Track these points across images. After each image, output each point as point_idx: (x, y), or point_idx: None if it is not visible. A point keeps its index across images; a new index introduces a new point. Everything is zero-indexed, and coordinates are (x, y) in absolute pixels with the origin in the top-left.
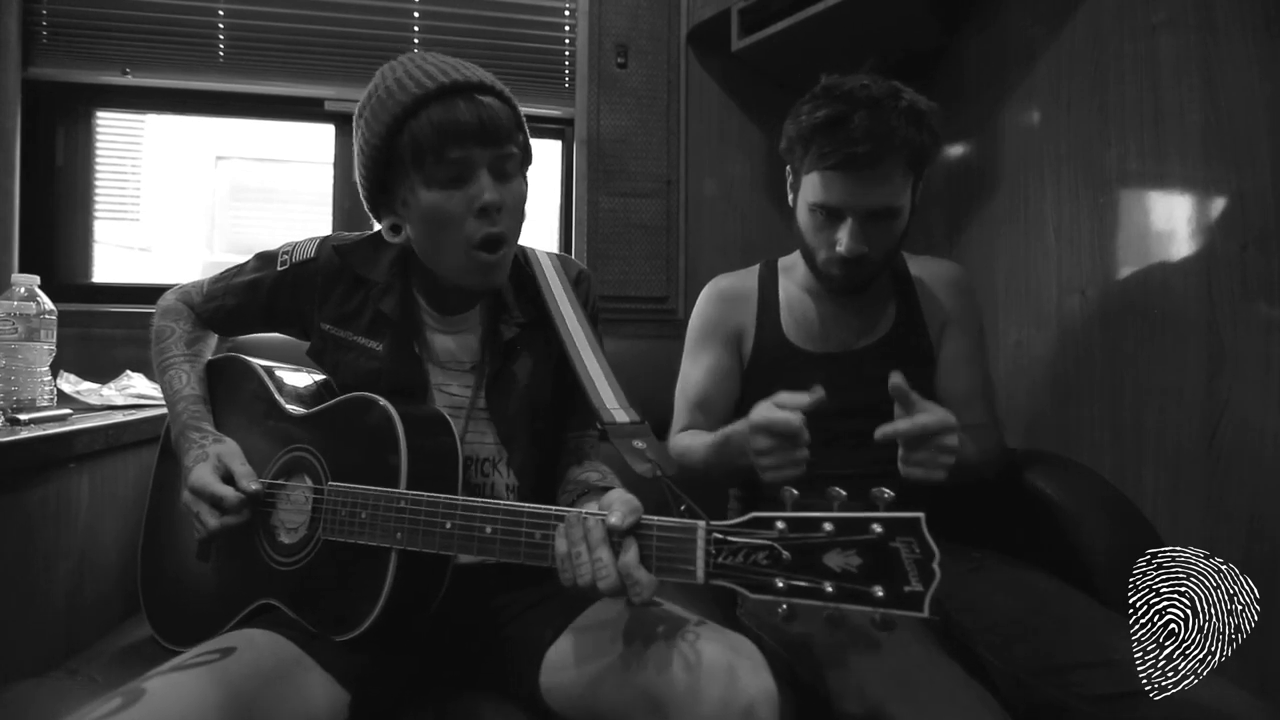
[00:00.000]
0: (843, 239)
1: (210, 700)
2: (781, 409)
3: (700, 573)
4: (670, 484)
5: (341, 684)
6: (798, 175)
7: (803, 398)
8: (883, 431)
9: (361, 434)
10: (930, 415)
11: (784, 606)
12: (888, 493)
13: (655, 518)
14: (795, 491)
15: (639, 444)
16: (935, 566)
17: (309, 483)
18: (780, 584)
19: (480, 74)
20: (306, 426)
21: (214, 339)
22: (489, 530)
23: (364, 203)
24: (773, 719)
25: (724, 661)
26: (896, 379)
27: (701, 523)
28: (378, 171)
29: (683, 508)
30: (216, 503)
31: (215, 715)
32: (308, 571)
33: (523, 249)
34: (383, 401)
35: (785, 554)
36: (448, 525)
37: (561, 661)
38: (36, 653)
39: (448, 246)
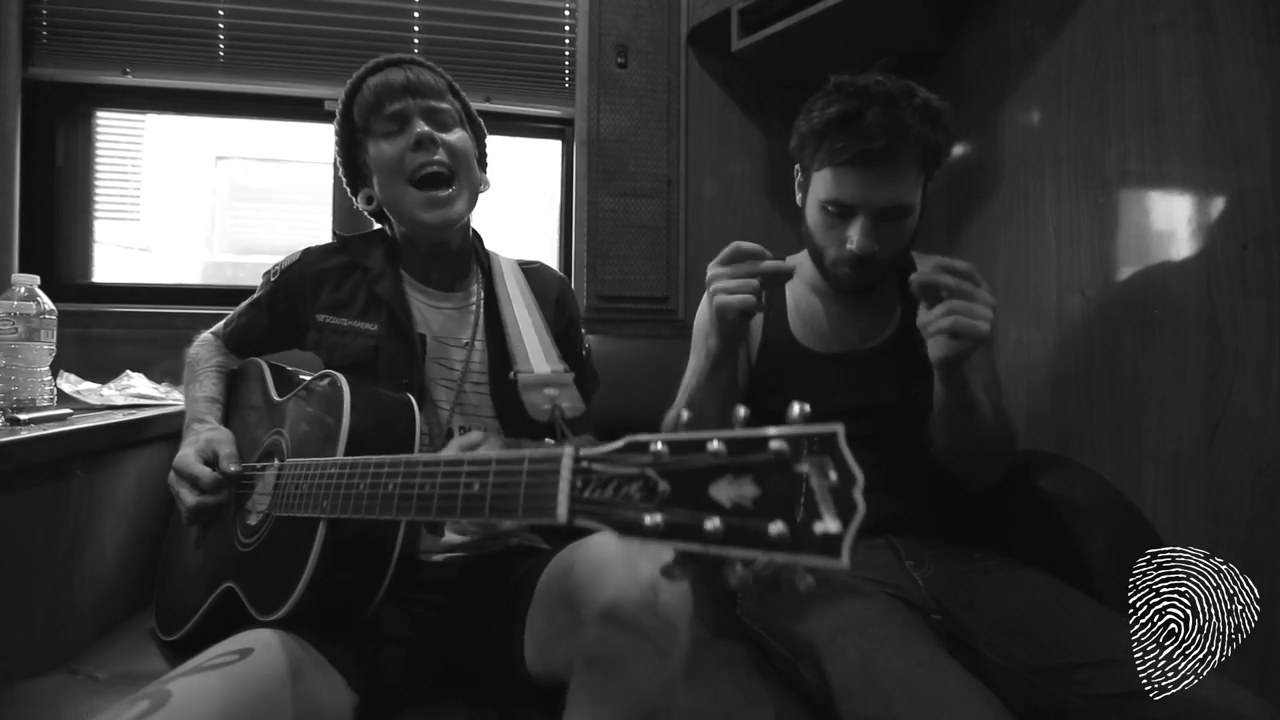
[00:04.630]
0: (854, 237)
1: (235, 702)
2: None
3: (562, 510)
4: (563, 419)
5: (350, 685)
6: (808, 173)
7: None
8: (916, 279)
9: (316, 410)
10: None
11: (671, 558)
12: (802, 407)
13: (527, 450)
14: (745, 410)
15: (551, 391)
16: (857, 496)
17: (277, 463)
18: (648, 522)
19: (418, 57)
20: (282, 410)
21: (238, 360)
22: (427, 486)
23: (345, 188)
24: (678, 597)
25: (629, 553)
26: (916, 277)
27: (568, 448)
28: (345, 149)
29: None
30: (194, 482)
31: (241, 717)
32: (259, 551)
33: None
34: (338, 376)
35: (662, 484)
36: (366, 487)
37: (528, 630)
38: (36, 652)
39: (399, 187)
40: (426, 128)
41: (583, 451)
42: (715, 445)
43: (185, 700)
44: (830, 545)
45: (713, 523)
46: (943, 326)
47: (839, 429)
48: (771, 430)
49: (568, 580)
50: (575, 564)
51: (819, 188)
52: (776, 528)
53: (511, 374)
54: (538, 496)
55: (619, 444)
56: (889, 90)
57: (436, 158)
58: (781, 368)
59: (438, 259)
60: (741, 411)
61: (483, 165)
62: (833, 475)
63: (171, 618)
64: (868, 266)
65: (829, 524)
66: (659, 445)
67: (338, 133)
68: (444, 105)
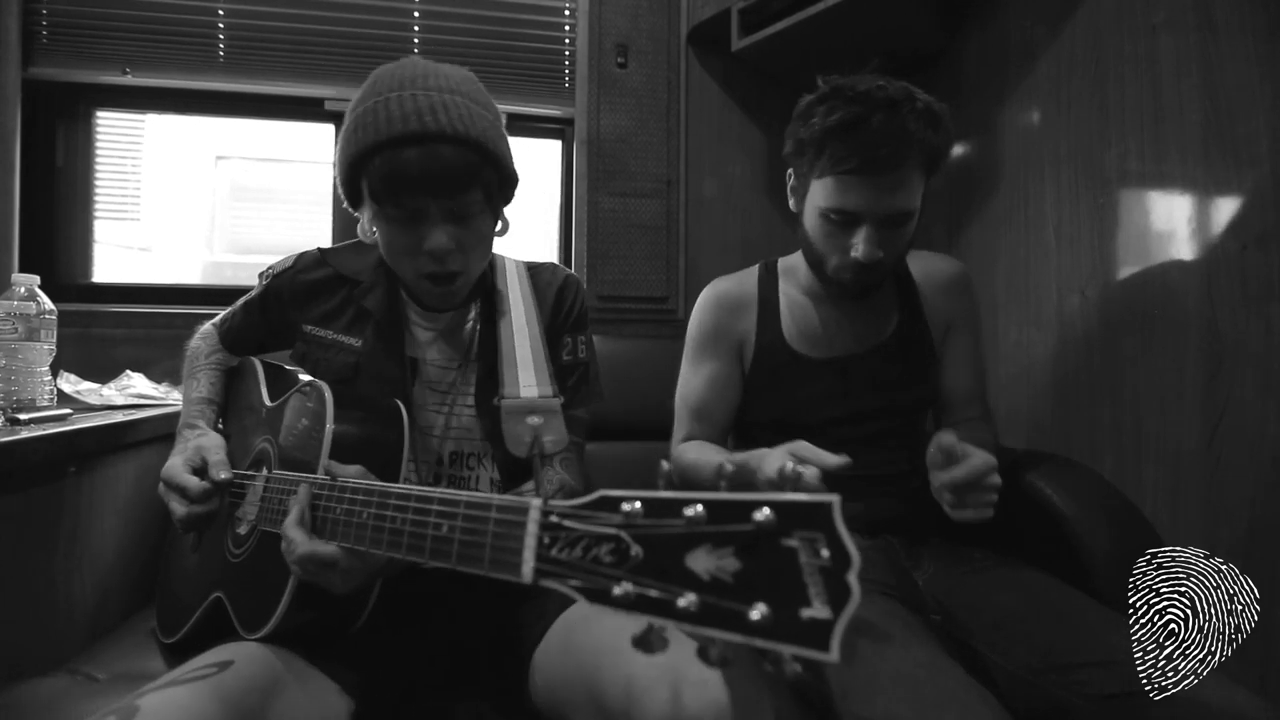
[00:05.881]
0: (859, 245)
1: (207, 716)
2: (799, 463)
3: (528, 568)
4: (541, 456)
5: (346, 692)
6: (804, 180)
7: (825, 458)
8: (939, 482)
9: (302, 419)
10: (977, 458)
11: (644, 627)
12: (794, 468)
13: (496, 496)
14: (731, 467)
15: (534, 420)
16: (851, 580)
17: (265, 472)
18: (617, 591)
19: (445, 120)
20: (271, 416)
21: (236, 358)
22: (398, 521)
23: (344, 203)
24: None
25: (668, 675)
26: (946, 439)
27: (536, 501)
28: (348, 189)
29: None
30: (182, 492)
31: None
32: (247, 565)
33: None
34: (322, 386)
35: (635, 548)
36: (343, 512)
37: (539, 666)
38: (36, 653)
39: (403, 270)
40: (445, 240)
41: (552, 505)
42: (694, 510)
43: (153, 715)
44: (818, 634)
45: (687, 599)
46: (950, 512)
47: (834, 500)
48: (758, 497)
49: (601, 682)
50: (613, 673)
51: (819, 195)
52: (758, 611)
53: (496, 399)
54: (503, 549)
55: (591, 498)
56: (891, 95)
57: (450, 268)
58: (776, 375)
59: None
60: (728, 467)
61: (503, 208)
62: (825, 554)
63: (170, 620)
64: (871, 273)
65: (818, 610)
66: (633, 504)
67: (340, 171)
68: (474, 195)
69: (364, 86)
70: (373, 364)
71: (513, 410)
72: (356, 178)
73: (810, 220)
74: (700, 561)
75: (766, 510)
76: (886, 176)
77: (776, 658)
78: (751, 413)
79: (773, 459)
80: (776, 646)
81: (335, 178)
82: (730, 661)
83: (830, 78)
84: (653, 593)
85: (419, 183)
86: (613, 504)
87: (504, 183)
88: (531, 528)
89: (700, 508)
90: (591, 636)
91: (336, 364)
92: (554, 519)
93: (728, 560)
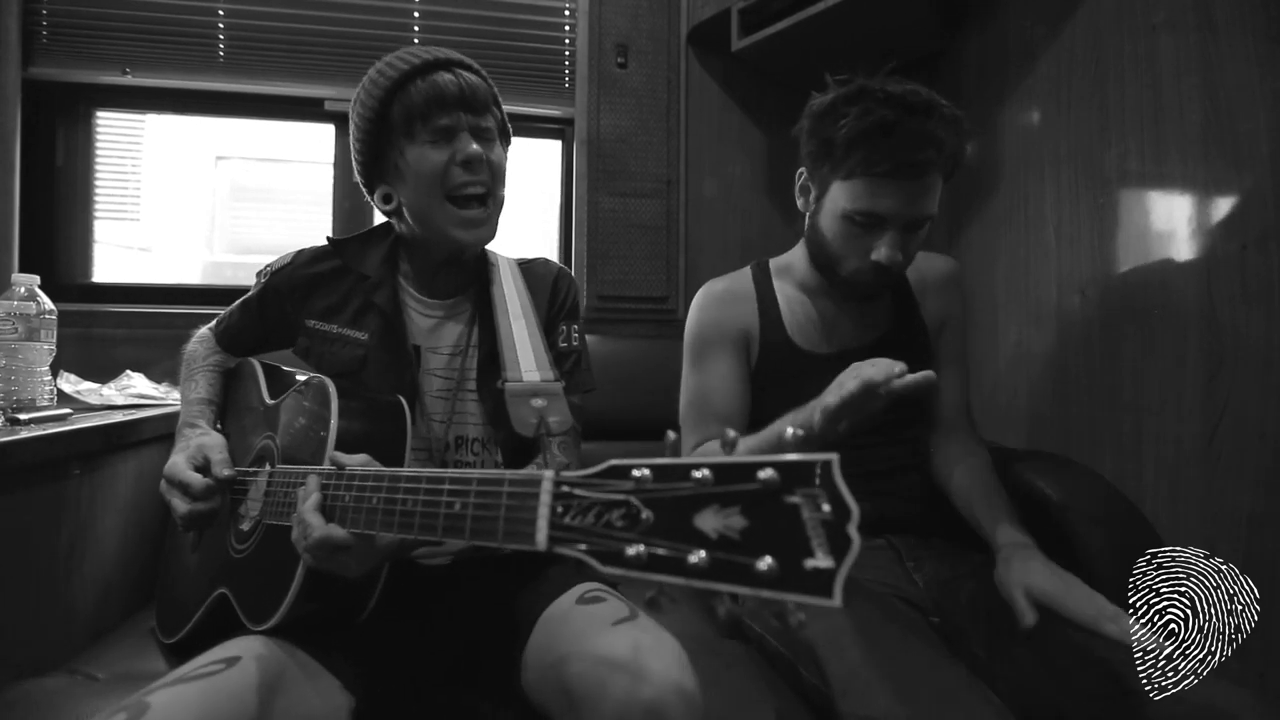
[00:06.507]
0: (882, 249)
1: (214, 712)
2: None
3: (542, 536)
4: (548, 436)
5: (346, 686)
6: (824, 180)
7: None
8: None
9: (306, 415)
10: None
11: (652, 591)
12: (795, 431)
13: (508, 471)
14: (733, 434)
15: (538, 402)
16: (851, 530)
17: (268, 468)
18: (630, 553)
19: (459, 56)
20: (273, 413)
21: (234, 359)
22: (409, 503)
23: (359, 178)
24: (686, 716)
25: (634, 658)
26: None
27: (549, 472)
28: (371, 143)
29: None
30: (185, 489)
31: None
32: (252, 558)
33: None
34: (325, 380)
35: (645, 512)
36: (351, 498)
37: (528, 663)
38: (36, 652)
39: (435, 199)
40: (477, 147)
41: (563, 475)
42: (701, 473)
43: (163, 712)
44: (822, 583)
45: (697, 556)
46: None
47: (834, 458)
48: (761, 458)
49: (567, 676)
50: (579, 662)
51: (844, 197)
52: (764, 563)
53: (499, 382)
54: (517, 520)
55: (601, 468)
56: (924, 99)
57: (481, 178)
58: (782, 371)
59: (448, 266)
60: (731, 434)
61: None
62: (826, 508)
63: (171, 620)
64: (889, 275)
65: (820, 560)
66: (642, 471)
67: (365, 124)
68: (490, 122)
69: (364, 77)
70: (380, 356)
71: (517, 393)
72: (385, 115)
73: (829, 221)
74: (708, 521)
75: (770, 470)
76: (917, 182)
77: (781, 610)
78: (758, 412)
79: (830, 392)
80: (783, 596)
81: (355, 150)
82: (738, 618)
83: (843, 77)
84: (664, 552)
85: (454, 99)
86: (623, 471)
87: (504, 128)
88: (545, 498)
89: (707, 471)
90: (562, 633)
91: (343, 357)
92: (566, 488)
93: (734, 518)
